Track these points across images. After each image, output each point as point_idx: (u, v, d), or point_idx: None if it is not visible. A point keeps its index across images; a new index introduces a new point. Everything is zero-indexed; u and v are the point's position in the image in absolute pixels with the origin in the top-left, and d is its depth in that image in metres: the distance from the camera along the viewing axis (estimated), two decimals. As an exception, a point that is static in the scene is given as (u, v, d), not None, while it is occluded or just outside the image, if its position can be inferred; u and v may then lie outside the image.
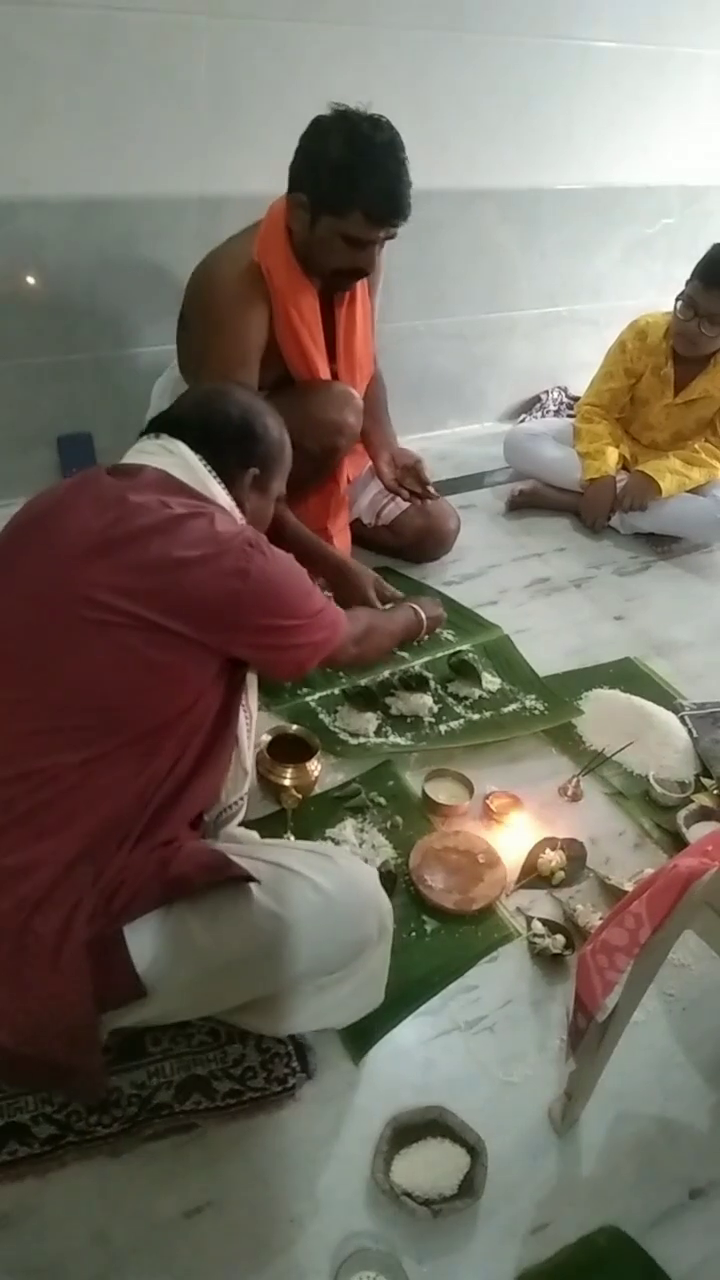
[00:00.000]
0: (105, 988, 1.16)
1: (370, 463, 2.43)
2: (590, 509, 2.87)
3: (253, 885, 1.25)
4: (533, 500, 2.94)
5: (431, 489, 2.42)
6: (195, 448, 1.42)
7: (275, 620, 1.37)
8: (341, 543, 2.44)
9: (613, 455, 2.87)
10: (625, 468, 2.93)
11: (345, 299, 2.18)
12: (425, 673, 2.20)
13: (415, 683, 2.14)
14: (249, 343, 2.08)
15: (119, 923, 1.18)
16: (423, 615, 2.02)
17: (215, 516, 1.34)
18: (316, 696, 2.12)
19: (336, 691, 2.14)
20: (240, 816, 1.57)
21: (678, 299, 2.67)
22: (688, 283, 2.63)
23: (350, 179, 1.89)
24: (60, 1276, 1.22)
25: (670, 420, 2.89)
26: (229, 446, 1.45)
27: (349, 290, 2.14)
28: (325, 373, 2.20)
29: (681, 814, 1.92)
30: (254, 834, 1.53)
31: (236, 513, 1.44)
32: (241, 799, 1.57)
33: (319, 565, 2.23)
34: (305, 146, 1.92)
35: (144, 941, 1.19)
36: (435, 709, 2.13)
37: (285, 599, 1.38)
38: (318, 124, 1.91)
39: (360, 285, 2.18)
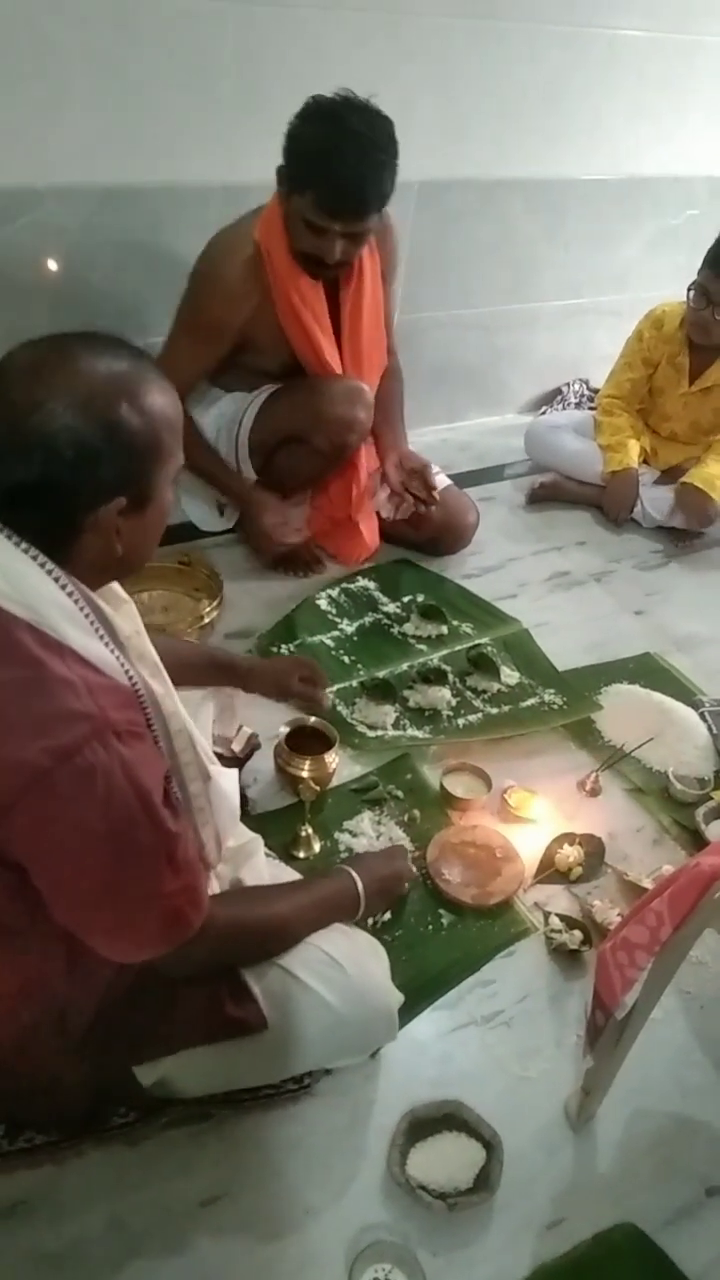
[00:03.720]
0: (112, 1093, 1.27)
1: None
2: (613, 503, 2.85)
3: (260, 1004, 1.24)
4: (553, 493, 2.93)
5: (436, 494, 2.39)
6: (4, 513, 0.96)
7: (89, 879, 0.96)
8: (368, 530, 2.44)
9: (634, 448, 2.85)
10: (646, 461, 2.91)
11: (352, 286, 2.15)
12: (444, 666, 2.20)
13: (433, 676, 2.13)
14: (222, 321, 2.08)
15: (127, 1060, 1.22)
16: (358, 883, 1.40)
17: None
18: (334, 689, 2.12)
19: (354, 684, 2.14)
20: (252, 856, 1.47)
21: (690, 288, 2.65)
22: (699, 271, 2.61)
23: (309, 160, 1.86)
24: (77, 1262, 1.23)
25: (687, 410, 2.86)
26: (60, 497, 0.96)
27: (330, 278, 2.09)
28: (333, 357, 2.18)
29: (701, 810, 1.91)
30: (259, 855, 1.48)
31: (68, 628, 0.96)
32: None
33: (228, 494, 2.31)
34: (291, 121, 1.90)
35: (148, 1067, 1.24)
36: (453, 702, 2.12)
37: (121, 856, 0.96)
38: (308, 101, 1.88)
39: (370, 271, 2.16)
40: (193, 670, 1.64)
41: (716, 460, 2.77)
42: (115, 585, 1.14)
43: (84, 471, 0.95)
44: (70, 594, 0.98)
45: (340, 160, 1.83)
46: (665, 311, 2.81)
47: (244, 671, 1.70)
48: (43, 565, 0.96)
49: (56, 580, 0.97)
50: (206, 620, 2.17)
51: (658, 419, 2.94)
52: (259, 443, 2.25)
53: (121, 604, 1.16)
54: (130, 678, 1.02)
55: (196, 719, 1.54)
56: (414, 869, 1.61)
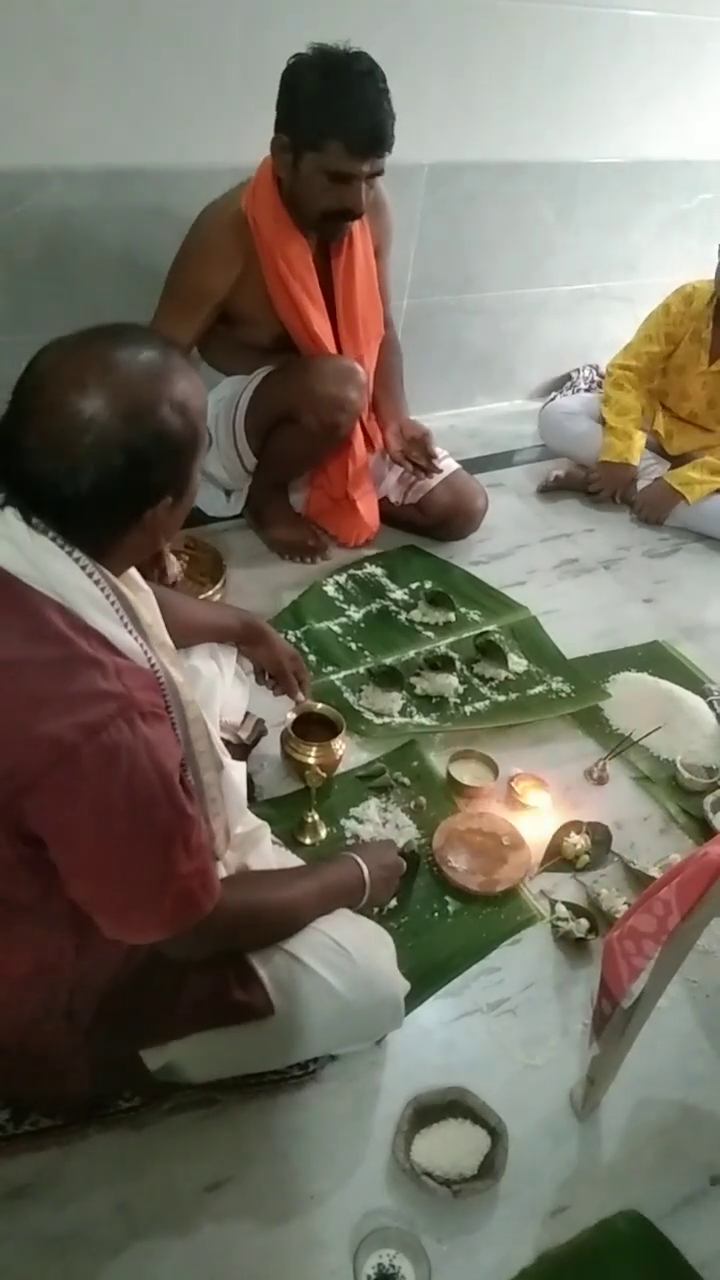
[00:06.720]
0: (118, 1077, 1.27)
1: None
2: (605, 484, 2.83)
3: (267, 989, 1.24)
4: (567, 484, 2.90)
5: (437, 463, 2.38)
6: (50, 520, 0.96)
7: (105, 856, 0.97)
8: (366, 509, 2.43)
9: (639, 441, 2.82)
10: (662, 450, 2.87)
11: (343, 254, 2.13)
12: (451, 653, 2.19)
13: (441, 663, 2.12)
14: (204, 289, 2.07)
15: (133, 1044, 1.22)
16: (365, 870, 1.41)
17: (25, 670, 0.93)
18: (341, 675, 2.11)
19: (361, 670, 2.13)
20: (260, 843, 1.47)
21: None
22: None
23: (327, 110, 1.85)
24: (82, 1245, 1.23)
25: (706, 389, 2.83)
26: (112, 507, 0.98)
27: (341, 238, 2.08)
28: (324, 329, 2.17)
29: (708, 799, 1.91)
30: (266, 841, 1.47)
31: (94, 613, 0.98)
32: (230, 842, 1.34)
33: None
34: (284, 84, 1.89)
35: (155, 1051, 1.24)
36: (461, 690, 2.11)
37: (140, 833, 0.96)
38: (296, 61, 1.87)
39: (361, 242, 2.14)
40: (206, 627, 1.61)
41: (707, 467, 2.76)
42: (133, 572, 1.15)
43: (137, 481, 0.97)
44: (97, 581, 0.99)
45: (360, 100, 1.85)
46: (696, 288, 2.80)
47: (259, 628, 1.67)
48: (70, 553, 0.97)
49: (84, 569, 0.98)
50: (213, 606, 2.16)
51: (676, 398, 2.92)
52: (255, 424, 2.23)
53: (140, 591, 1.16)
54: (151, 663, 1.04)
55: (208, 709, 1.53)
56: (403, 862, 1.58)
